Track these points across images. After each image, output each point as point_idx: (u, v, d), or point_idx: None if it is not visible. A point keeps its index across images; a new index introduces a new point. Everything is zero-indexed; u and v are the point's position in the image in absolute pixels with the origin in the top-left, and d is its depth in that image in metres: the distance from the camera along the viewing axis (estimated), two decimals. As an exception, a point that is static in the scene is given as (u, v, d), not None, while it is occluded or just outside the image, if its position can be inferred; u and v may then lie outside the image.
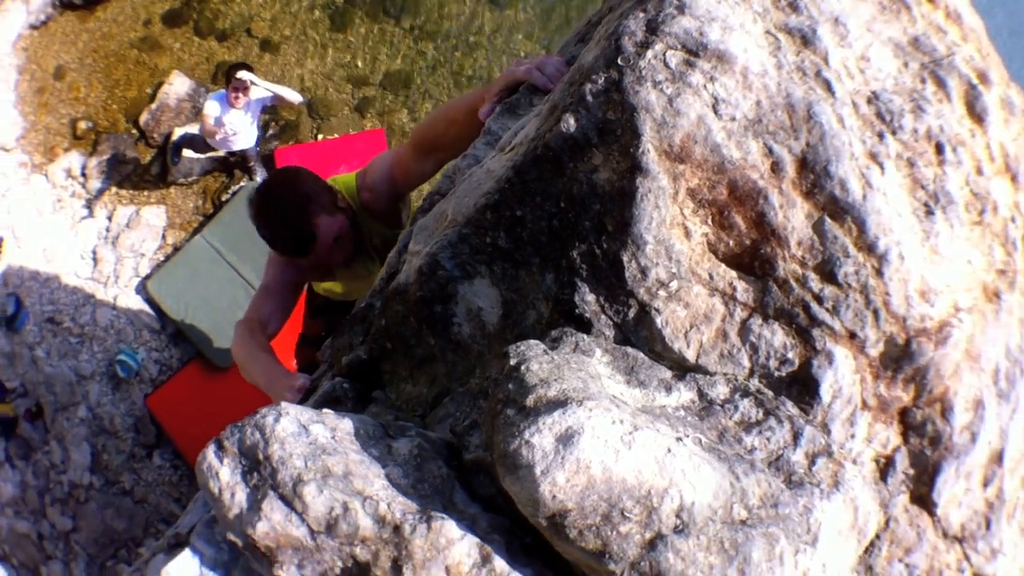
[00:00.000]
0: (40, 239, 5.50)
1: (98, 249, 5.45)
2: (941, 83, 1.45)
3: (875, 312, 1.17)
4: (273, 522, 0.88)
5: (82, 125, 6.24)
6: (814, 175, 1.13)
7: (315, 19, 6.45)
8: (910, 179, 1.30)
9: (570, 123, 1.08)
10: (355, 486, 0.88)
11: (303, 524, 0.88)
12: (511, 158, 1.26)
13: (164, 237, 5.81)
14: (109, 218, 5.64)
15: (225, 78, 5.28)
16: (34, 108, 6.26)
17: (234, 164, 6.05)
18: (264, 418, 0.94)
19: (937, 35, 1.60)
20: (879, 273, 1.16)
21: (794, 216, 1.13)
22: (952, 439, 1.30)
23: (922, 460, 1.31)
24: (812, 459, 1.08)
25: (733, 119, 1.08)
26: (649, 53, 1.05)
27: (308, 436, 0.93)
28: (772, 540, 0.87)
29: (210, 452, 0.95)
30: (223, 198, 5.99)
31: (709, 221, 1.12)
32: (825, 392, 1.14)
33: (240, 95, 5.08)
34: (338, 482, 0.88)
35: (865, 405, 1.25)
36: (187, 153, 5.85)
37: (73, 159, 5.96)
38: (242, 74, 5.02)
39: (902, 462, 1.33)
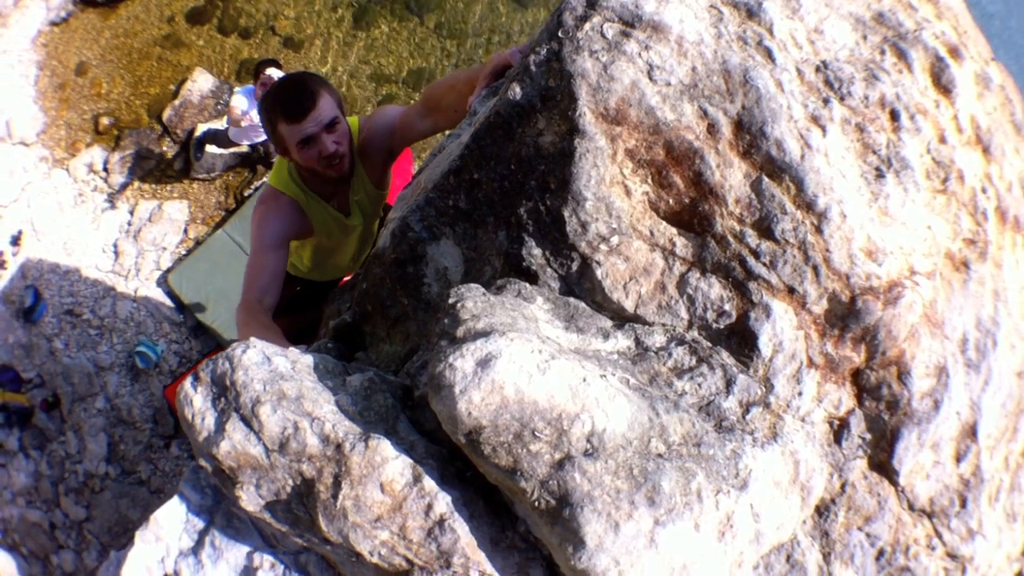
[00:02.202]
0: (61, 232, 5.85)
1: (119, 243, 5.81)
2: (902, 55, 1.54)
3: (815, 268, 1.28)
4: (234, 441, 1.05)
5: (104, 121, 6.60)
6: (750, 136, 1.25)
7: (339, 17, 6.74)
8: (860, 143, 1.40)
9: (516, 91, 1.23)
10: (305, 408, 1.04)
11: (259, 443, 1.04)
12: (472, 128, 1.42)
13: (186, 231, 6.12)
14: (131, 212, 5.99)
15: (253, 73, 5.59)
16: (55, 104, 6.64)
17: (256, 160, 6.36)
18: (234, 350, 1.11)
19: (906, 11, 1.70)
20: (818, 230, 1.27)
21: (731, 175, 1.25)
22: (911, 404, 1.36)
23: (879, 425, 1.38)
24: (746, 408, 1.19)
25: (668, 84, 1.21)
26: (587, 25, 1.20)
27: (270, 365, 1.09)
28: (688, 475, 0.99)
29: (187, 382, 1.12)
30: (245, 193, 6.30)
31: (649, 180, 1.25)
32: (764, 345, 1.25)
33: None
34: (291, 404, 1.04)
35: (812, 363, 1.35)
36: (210, 149, 6.18)
37: (95, 154, 6.33)
38: (271, 71, 5.32)
39: (857, 425, 1.40)
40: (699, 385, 1.16)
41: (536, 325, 1.13)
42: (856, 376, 1.38)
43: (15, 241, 5.76)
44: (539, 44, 1.24)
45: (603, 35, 1.19)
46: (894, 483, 1.37)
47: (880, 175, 1.38)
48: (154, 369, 5.01)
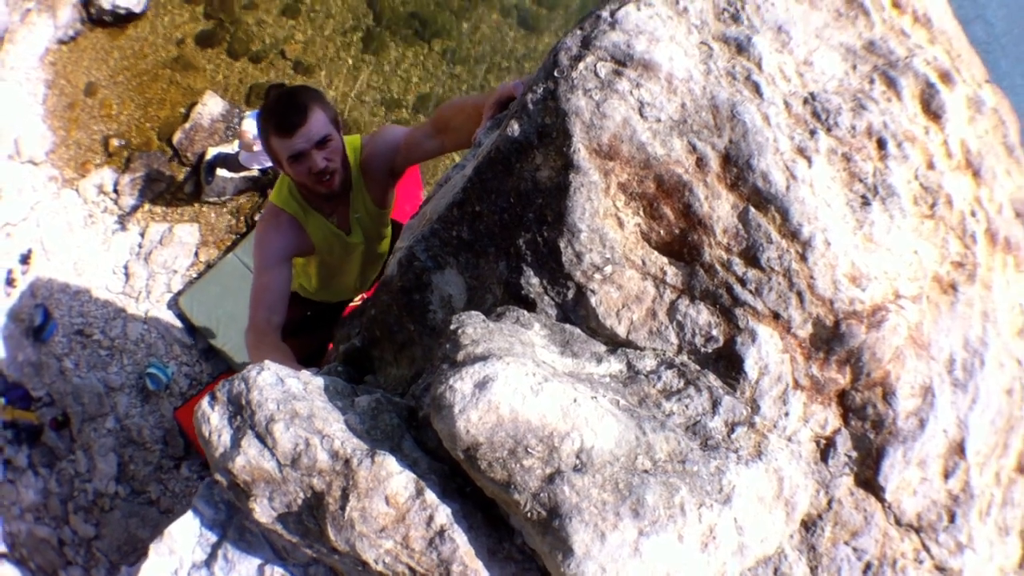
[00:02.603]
0: (71, 253, 5.99)
1: (130, 264, 5.96)
2: (892, 83, 1.63)
3: (799, 294, 1.36)
4: (249, 456, 1.14)
5: (114, 142, 6.77)
6: (737, 168, 1.34)
7: (348, 42, 6.94)
8: (846, 172, 1.49)
9: (515, 128, 1.34)
10: (316, 426, 1.13)
11: (273, 458, 1.13)
12: (475, 161, 1.53)
13: (197, 254, 6.27)
14: (142, 234, 6.15)
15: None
16: (64, 123, 6.82)
17: (267, 184, 6.53)
18: (249, 371, 1.21)
19: (897, 38, 1.79)
20: (803, 258, 1.36)
21: (719, 206, 1.35)
22: (896, 423, 1.44)
23: (865, 443, 1.46)
24: (731, 427, 1.27)
25: (658, 120, 1.31)
26: (581, 65, 1.30)
27: (283, 386, 1.19)
28: (672, 489, 1.07)
29: (205, 401, 1.22)
30: (256, 217, 6.47)
31: (641, 212, 1.35)
32: (750, 368, 1.33)
33: None
34: (303, 422, 1.13)
35: (797, 384, 1.43)
36: (221, 173, 6.35)
37: (105, 175, 6.50)
38: None
39: (844, 444, 1.48)
40: (686, 406, 1.24)
41: (533, 350, 1.22)
42: (842, 397, 1.45)
43: (24, 260, 5.90)
44: (536, 82, 1.35)
45: (596, 74, 1.30)
46: (880, 499, 1.44)
47: (866, 203, 1.47)
48: (164, 391, 5.13)
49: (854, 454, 1.45)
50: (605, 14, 1.35)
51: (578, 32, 1.36)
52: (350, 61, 6.79)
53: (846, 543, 1.43)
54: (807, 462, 1.44)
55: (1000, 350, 1.57)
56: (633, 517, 0.99)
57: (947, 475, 1.48)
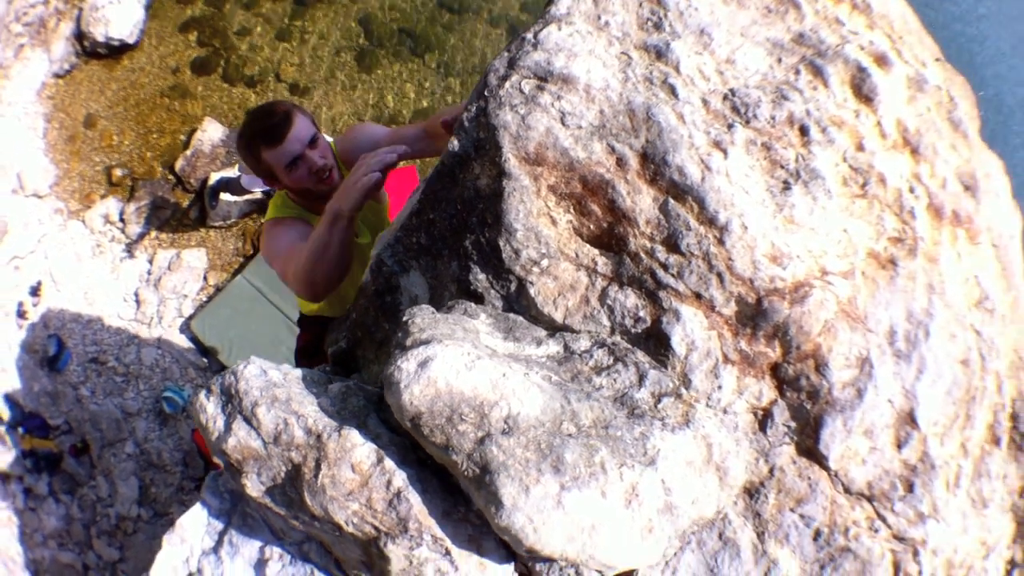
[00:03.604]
0: (80, 283, 6.36)
1: (140, 291, 6.33)
2: (818, 71, 1.81)
3: (719, 275, 1.58)
4: (239, 437, 1.40)
5: (117, 172, 7.15)
6: (655, 165, 1.57)
7: (342, 61, 7.28)
8: (767, 160, 1.69)
9: (455, 144, 1.60)
10: (293, 408, 1.39)
11: (259, 437, 1.39)
12: (429, 174, 1.79)
13: (205, 278, 6.62)
14: (150, 261, 6.53)
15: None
16: (66, 156, 7.20)
17: (271, 205, 6.90)
18: (238, 366, 1.48)
19: (830, 27, 1.95)
20: (720, 241, 1.58)
21: (641, 200, 1.58)
22: (832, 394, 1.57)
23: (803, 413, 1.59)
24: (658, 398, 1.49)
25: (579, 127, 1.56)
26: (507, 83, 1.56)
27: (266, 376, 1.45)
28: (592, 450, 1.29)
29: (201, 394, 1.48)
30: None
31: (571, 210, 1.59)
32: (677, 345, 1.56)
33: None
34: (282, 405, 1.39)
35: (727, 359, 1.64)
36: (224, 197, 6.71)
37: (110, 205, 6.90)
38: None
39: (781, 415, 1.64)
40: (614, 380, 1.48)
41: (476, 336, 1.47)
42: (775, 369, 1.61)
43: (35, 292, 6.25)
44: (471, 102, 1.60)
45: (521, 90, 1.55)
46: (825, 468, 1.57)
47: (787, 187, 1.66)
48: (182, 413, 5.47)
49: (792, 424, 1.59)
50: (529, 36, 1.61)
51: (506, 54, 1.61)
52: (345, 80, 7.14)
53: (792, 510, 1.55)
54: (744, 432, 1.61)
55: (949, 320, 1.70)
56: (554, 473, 1.23)
57: (900, 445, 1.59)
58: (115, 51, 7.53)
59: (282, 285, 6.10)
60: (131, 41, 7.50)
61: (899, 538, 1.56)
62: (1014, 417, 1.77)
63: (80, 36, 7.51)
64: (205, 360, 5.92)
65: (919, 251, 1.74)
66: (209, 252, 6.70)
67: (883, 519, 1.58)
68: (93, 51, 7.60)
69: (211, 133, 7.01)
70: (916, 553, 1.56)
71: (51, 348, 5.94)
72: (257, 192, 6.51)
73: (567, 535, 1.22)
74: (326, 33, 7.26)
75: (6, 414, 5.46)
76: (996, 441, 1.74)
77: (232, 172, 6.63)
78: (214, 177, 6.78)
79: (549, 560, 1.36)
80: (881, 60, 1.91)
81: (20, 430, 5.41)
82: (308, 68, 7.22)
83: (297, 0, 7.31)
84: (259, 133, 2.30)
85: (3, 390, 5.53)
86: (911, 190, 1.81)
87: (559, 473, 1.24)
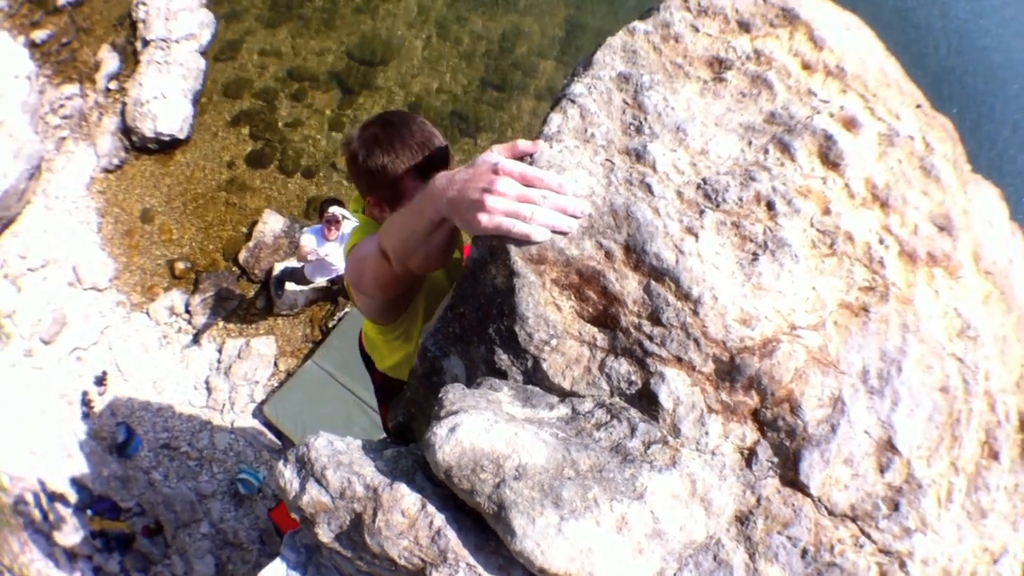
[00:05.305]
0: (148, 372, 7.12)
1: (211, 379, 7.09)
2: (785, 147, 2.20)
3: (695, 340, 2.03)
4: (311, 495, 1.94)
5: (180, 265, 7.92)
6: (636, 254, 2.05)
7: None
8: (738, 237, 2.08)
9: (475, 251, 2.15)
10: (355, 469, 1.92)
11: (327, 494, 1.92)
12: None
13: (276, 364, 7.35)
14: (219, 350, 7.30)
15: (318, 212, 6.93)
16: (124, 250, 8.03)
17: (337, 292, 7.64)
18: (309, 438, 2.03)
19: (801, 100, 2.33)
20: (695, 312, 2.02)
21: (628, 284, 2.07)
22: (808, 431, 1.92)
23: (783, 450, 1.96)
24: (648, 445, 1.95)
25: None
26: (513, 203, 2.11)
27: (332, 446, 1.99)
28: (585, 487, 1.76)
29: (280, 463, 2.03)
30: (330, 324, 7.53)
31: (572, 297, 2.10)
32: (665, 401, 2.02)
33: (333, 228, 6.69)
34: (345, 468, 1.92)
35: (711, 409, 2.07)
36: (290, 286, 7.49)
37: (175, 297, 7.73)
38: (334, 209, 6.62)
39: (764, 452, 2.05)
40: (610, 433, 1.95)
41: (499, 405, 1.98)
42: (755, 414, 1.97)
43: (100, 381, 7.01)
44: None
45: (524, 208, 2.10)
46: (808, 495, 1.85)
47: (755, 258, 2.01)
48: (257, 494, 6.10)
49: (775, 459, 1.94)
50: (527, 156, 2.17)
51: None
52: (401, 167, 7.91)
53: (779, 533, 1.88)
54: (731, 469, 2.01)
55: (925, 354, 2.02)
56: (554, 507, 1.71)
57: (882, 470, 1.90)
58: (166, 146, 8.34)
59: (351, 368, 6.75)
60: (182, 136, 8.26)
61: (885, 552, 1.82)
62: (1024, 428, 2.07)
63: (127, 131, 8.25)
64: (280, 443, 6.57)
65: (891, 296, 2.06)
66: (278, 339, 7.44)
67: (868, 536, 1.84)
68: (143, 146, 8.37)
69: (272, 225, 7.85)
70: (903, 564, 1.82)
71: (120, 435, 6.65)
72: (322, 281, 7.26)
73: (568, 556, 1.69)
74: (376, 121, 8.10)
75: (73, 497, 6.17)
76: (995, 456, 1.99)
77: (296, 262, 7.42)
78: (278, 268, 7.58)
79: (561, 581, 1.82)
80: (850, 124, 2.24)
81: (88, 512, 6.08)
82: (361, 156, 8.03)
83: (344, 89, 8.19)
84: (417, 152, 2.54)
85: (70, 474, 6.25)
86: (880, 241, 2.13)
87: (558, 507, 1.72)
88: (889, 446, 1.89)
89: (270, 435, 6.63)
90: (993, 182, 2.64)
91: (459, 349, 2.31)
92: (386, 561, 1.89)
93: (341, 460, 1.94)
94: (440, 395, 1.97)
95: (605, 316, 2.08)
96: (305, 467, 1.97)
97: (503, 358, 2.14)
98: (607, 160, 2.19)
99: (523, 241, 2.03)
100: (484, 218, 1.92)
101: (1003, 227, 2.54)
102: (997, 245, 2.38)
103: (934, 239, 2.21)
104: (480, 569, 1.79)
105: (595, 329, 2.09)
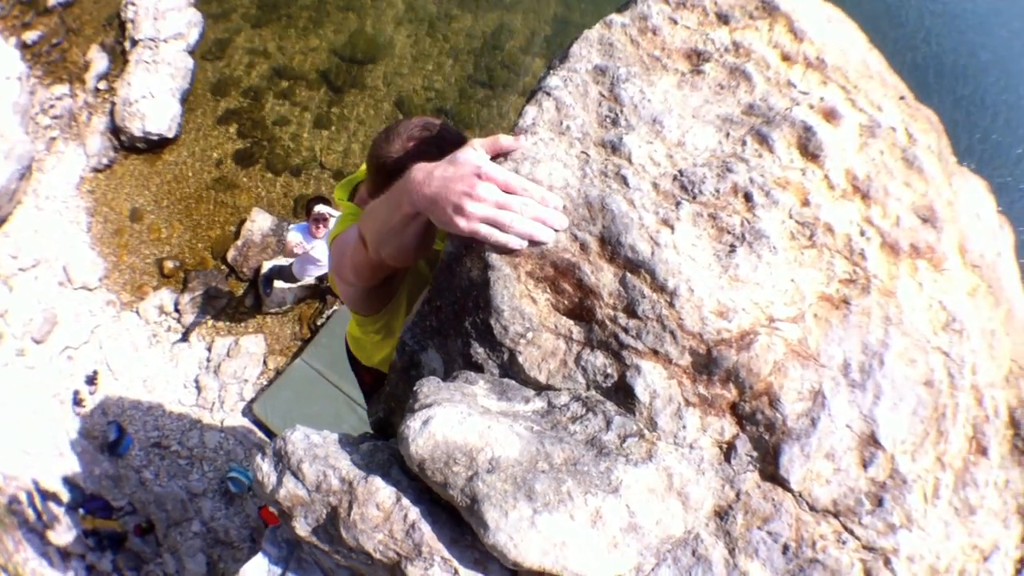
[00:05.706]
0: (138, 371, 7.12)
1: (200, 378, 7.09)
2: (764, 139, 2.17)
3: (671, 333, 2.03)
4: (288, 488, 1.93)
5: (169, 264, 7.93)
6: (611, 246, 2.05)
7: (384, 142, 8.08)
8: (715, 228, 2.04)
9: (449, 245, 2.15)
10: (330, 462, 1.92)
11: (303, 487, 1.92)
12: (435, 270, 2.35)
13: (265, 363, 7.35)
14: (208, 349, 7.30)
15: (305, 211, 6.94)
16: (113, 249, 8.04)
17: (325, 290, 7.64)
18: (286, 432, 2.02)
19: (781, 92, 2.30)
20: (671, 304, 2.03)
21: (603, 276, 2.06)
22: (787, 424, 1.90)
23: (763, 444, 1.94)
24: (623, 439, 1.95)
25: (546, 224, 2.09)
26: (488, 196, 2.11)
27: (309, 440, 1.99)
28: (559, 481, 1.75)
29: (258, 457, 2.03)
30: (318, 322, 7.54)
31: (548, 290, 2.10)
32: (641, 394, 2.02)
33: (320, 226, 6.70)
34: (321, 461, 1.92)
35: (688, 402, 2.07)
36: (278, 284, 7.50)
37: (164, 296, 7.73)
38: (320, 207, 6.62)
39: (743, 446, 2.04)
40: (586, 426, 1.95)
41: (474, 398, 1.98)
42: (734, 407, 1.95)
43: (91, 380, 7.01)
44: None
45: (495, 197, 2.09)
46: (788, 490, 1.83)
47: (732, 250, 1.99)
48: (247, 492, 6.11)
49: (755, 453, 1.92)
50: (500, 151, 2.17)
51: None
52: (389, 164, 7.91)
53: (759, 528, 1.86)
54: (710, 463, 2.01)
55: (908, 348, 2.00)
56: (527, 500, 1.71)
57: (865, 464, 1.87)
58: (155, 145, 8.38)
59: (340, 366, 6.78)
60: (170, 135, 8.31)
61: (869, 548, 1.80)
62: (1015, 424, 2.05)
63: (116, 131, 8.30)
64: (269, 441, 6.58)
65: (872, 288, 2.04)
66: (267, 337, 7.45)
67: (851, 532, 1.82)
68: (131, 145, 8.41)
69: (260, 223, 7.85)
70: (888, 561, 1.79)
71: (111, 434, 6.66)
72: (310, 279, 7.28)
73: (542, 550, 1.69)
74: (364, 118, 8.08)
75: (66, 496, 6.17)
76: (983, 451, 1.96)
77: (284, 260, 7.42)
78: (267, 265, 7.58)
79: (535, 573, 1.82)
80: (830, 115, 2.21)
81: (81, 511, 6.09)
82: (351, 156, 8.02)
83: (332, 88, 8.19)
84: (444, 140, 2.68)
85: (62, 473, 6.25)
86: (862, 233, 2.10)
87: (532, 500, 1.72)
88: (872, 440, 1.87)
89: (260, 433, 6.64)
90: (980, 175, 2.60)
91: (436, 343, 2.30)
92: (362, 555, 1.88)
93: (317, 453, 1.94)
94: (415, 388, 1.97)
95: (581, 309, 2.08)
96: (282, 460, 1.96)
97: (479, 351, 2.14)
98: (582, 152, 2.19)
99: (500, 249, 2.03)
100: (462, 222, 1.93)
101: (990, 220, 2.51)
102: (984, 238, 2.36)
103: (917, 231, 2.18)
104: (455, 563, 1.79)
105: (571, 322, 2.09)
